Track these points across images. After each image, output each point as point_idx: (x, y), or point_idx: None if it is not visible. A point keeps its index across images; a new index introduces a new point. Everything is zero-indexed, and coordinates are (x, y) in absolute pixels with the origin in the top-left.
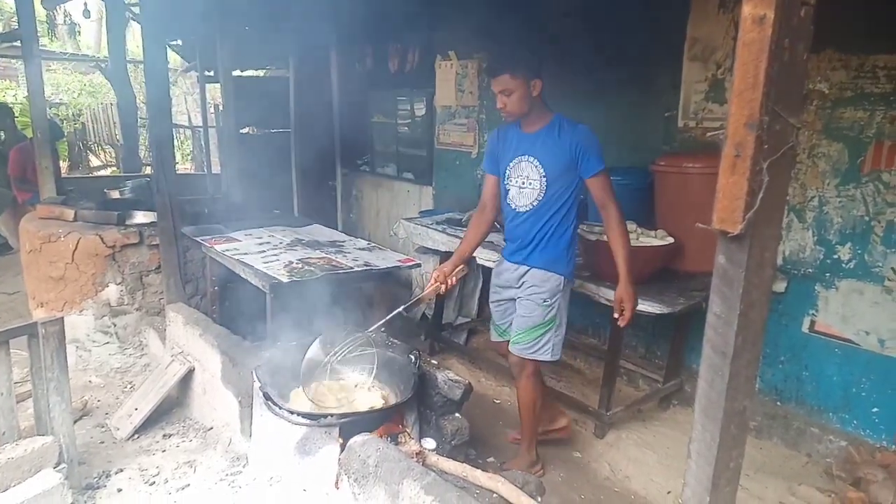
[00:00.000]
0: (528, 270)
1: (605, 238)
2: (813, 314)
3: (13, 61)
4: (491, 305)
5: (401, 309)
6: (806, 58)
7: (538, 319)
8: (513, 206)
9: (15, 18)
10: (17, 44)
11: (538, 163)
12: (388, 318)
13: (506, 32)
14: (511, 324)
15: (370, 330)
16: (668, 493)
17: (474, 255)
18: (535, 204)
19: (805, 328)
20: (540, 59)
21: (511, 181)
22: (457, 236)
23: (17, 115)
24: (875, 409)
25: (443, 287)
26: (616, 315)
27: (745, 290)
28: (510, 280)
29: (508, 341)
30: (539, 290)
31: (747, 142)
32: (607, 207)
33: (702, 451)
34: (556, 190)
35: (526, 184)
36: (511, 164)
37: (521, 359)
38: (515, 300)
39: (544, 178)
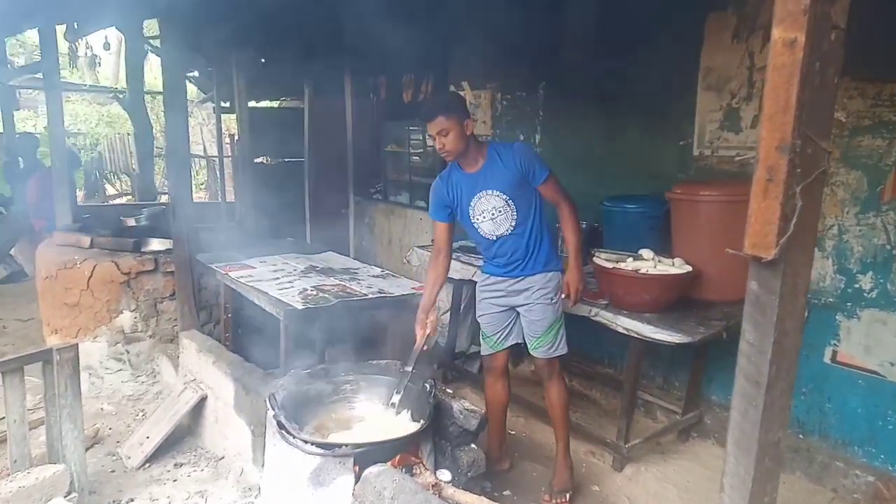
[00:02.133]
0: (527, 278)
1: (621, 267)
2: (835, 344)
3: (33, 92)
4: (480, 320)
5: (410, 369)
6: (836, 82)
7: (552, 318)
8: (491, 238)
9: (37, 52)
10: (39, 75)
11: (498, 191)
12: (402, 383)
13: (519, 62)
14: (505, 334)
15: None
16: None
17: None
18: (513, 226)
19: (827, 359)
20: (466, 103)
21: (479, 217)
22: (471, 264)
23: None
24: None
25: (431, 333)
26: (563, 296)
27: (780, 318)
28: (503, 290)
29: (500, 353)
30: (546, 291)
31: (779, 165)
32: (560, 204)
33: (735, 485)
34: (523, 205)
35: (497, 214)
36: (472, 204)
37: (549, 360)
38: (515, 308)
39: (511, 201)
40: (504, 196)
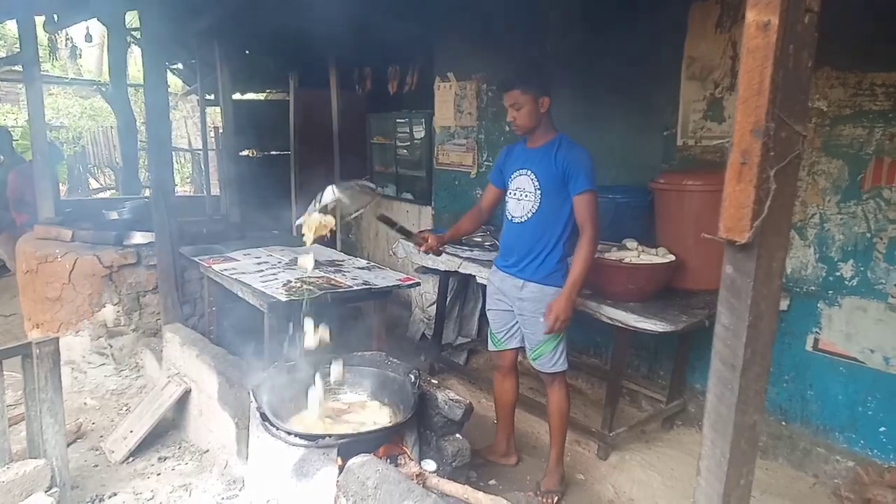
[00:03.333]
0: (524, 284)
1: (605, 256)
2: (816, 332)
3: (15, 85)
4: (488, 314)
5: (398, 227)
6: (811, 65)
7: (549, 334)
8: (509, 217)
9: (17, 44)
10: (19, 67)
11: (534, 176)
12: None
13: (503, 53)
14: (508, 335)
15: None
16: None
17: (474, 274)
18: (529, 215)
19: (809, 346)
20: (549, 78)
21: (511, 193)
22: (457, 255)
23: (17, 138)
24: (882, 429)
25: (431, 243)
26: (542, 319)
27: (754, 301)
28: (508, 290)
29: (506, 352)
30: (539, 306)
31: (753, 149)
32: (584, 228)
33: (711, 468)
34: (550, 204)
35: (522, 196)
36: (512, 178)
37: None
38: (515, 313)
39: (539, 191)
40: (536, 183)
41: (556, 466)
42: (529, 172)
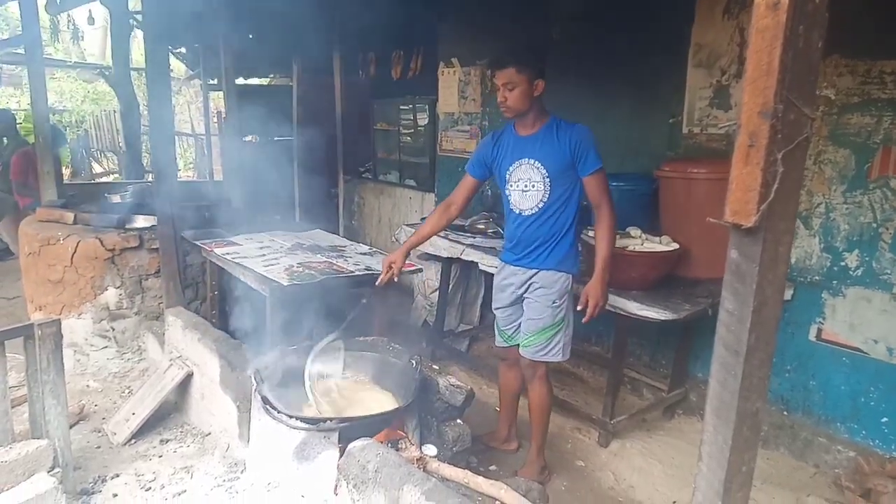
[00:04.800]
0: (536, 272)
1: None
2: (820, 322)
3: (18, 68)
4: (496, 312)
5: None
6: (821, 46)
7: (549, 321)
8: (516, 211)
9: (20, 27)
10: (21, 50)
11: (539, 164)
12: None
13: (509, 38)
14: (517, 329)
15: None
16: (674, 502)
17: (476, 262)
18: (540, 206)
19: (812, 336)
20: (544, 62)
21: (512, 186)
22: (459, 242)
23: (20, 121)
24: (884, 419)
25: (395, 278)
26: (579, 307)
27: (759, 286)
28: (515, 283)
29: (515, 346)
30: (548, 292)
31: (761, 131)
32: (601, 206)
33: (713, 454)
34: (560, 190)
35: (529, 186)
36: (511, 169)
37: (533, 361)
38: (522, 302)
39: (547, 179)
40: (543, 171)
41: (537, 458)
42: (533, 160)
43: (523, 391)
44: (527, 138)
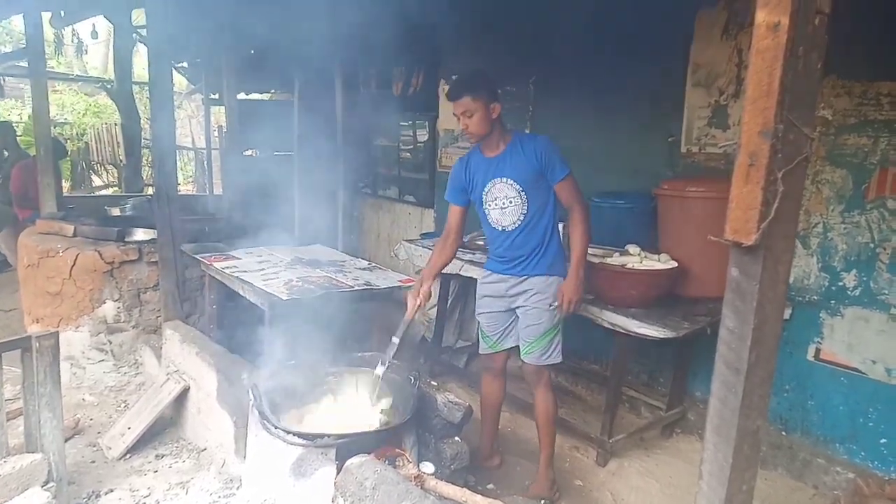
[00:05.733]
0: (526, 279)
1: (608, 261)
2: (818, 342)
3: (20, 81)
4: (479, 318)
5: (397, 340)
6: (820, 67)
7: (548, 325)
8: (498, 228)
9: (23, 40)
10: (24, 63)
11: (512, 181)
12: (389, 354)
13: (510, 56)
14: (501, 334)
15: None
16: None
17: (475, 277)
18: (521, 220)
19: (810, 356)
20: (495, 86)
21: (490, 205)
22: (458, 258)
23: (20, 134)
24: (883, 440)
25: (421, 303)
26: (554, 304)
27: (759, 304)
28: (503, 291)
29: (499, 353)
30: (544, 296)
31: (761, 150)
32: (573, 207)
33: (714, 472)
34: (536, 202)
35: (507, 203)
36: (486, 190)
37: (538, 367)
38: (515, 310)
39: (523, 193)
40: (518, 187)
41: (546, 471)
42: (506, 178)
43: (524, 404)
44: (494, 159)
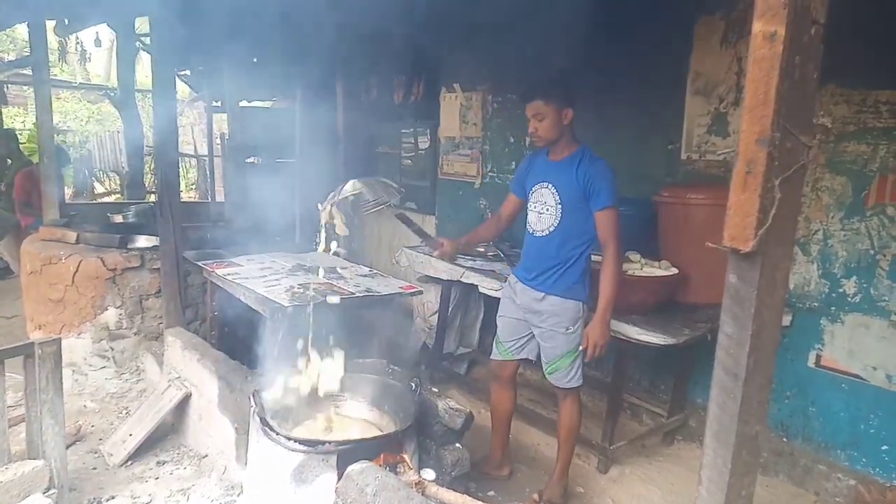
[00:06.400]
0: (544, 297)
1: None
2: (819, 349)
3: (23, 89)
4: (499, 320)
5: (415, 227)
6: (816, 76)
7: (565, 348)
8: (530, 230)
9: (27, 48)
10: (28, 71)
11: (555, 190)
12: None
13: (511, 64)
14: (516, 345)
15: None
16: None
17: (476, 284)
18: (551, 230)
19: (811, 363)
20: (574, 90)
21: (532, 206)
22: (459, 265)
23: (24, 141)
24: (885, 447)
25: (446, 248)
26: (581, 347)
27: (758, 310)
28: (526, 302)
29: (509, 362)
30: (560, 320)
31: (759, 158)
32: (607, 245)
33: (713, 478)
34: (571, 218)
35: (544, 210)
36: (533, 190)
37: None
38: (531, 326)
39: (560, 206)
40: (557, 197)
41: (560, 479)
42: (550, 186)
43: (546, 412)
44: (553, 164)
